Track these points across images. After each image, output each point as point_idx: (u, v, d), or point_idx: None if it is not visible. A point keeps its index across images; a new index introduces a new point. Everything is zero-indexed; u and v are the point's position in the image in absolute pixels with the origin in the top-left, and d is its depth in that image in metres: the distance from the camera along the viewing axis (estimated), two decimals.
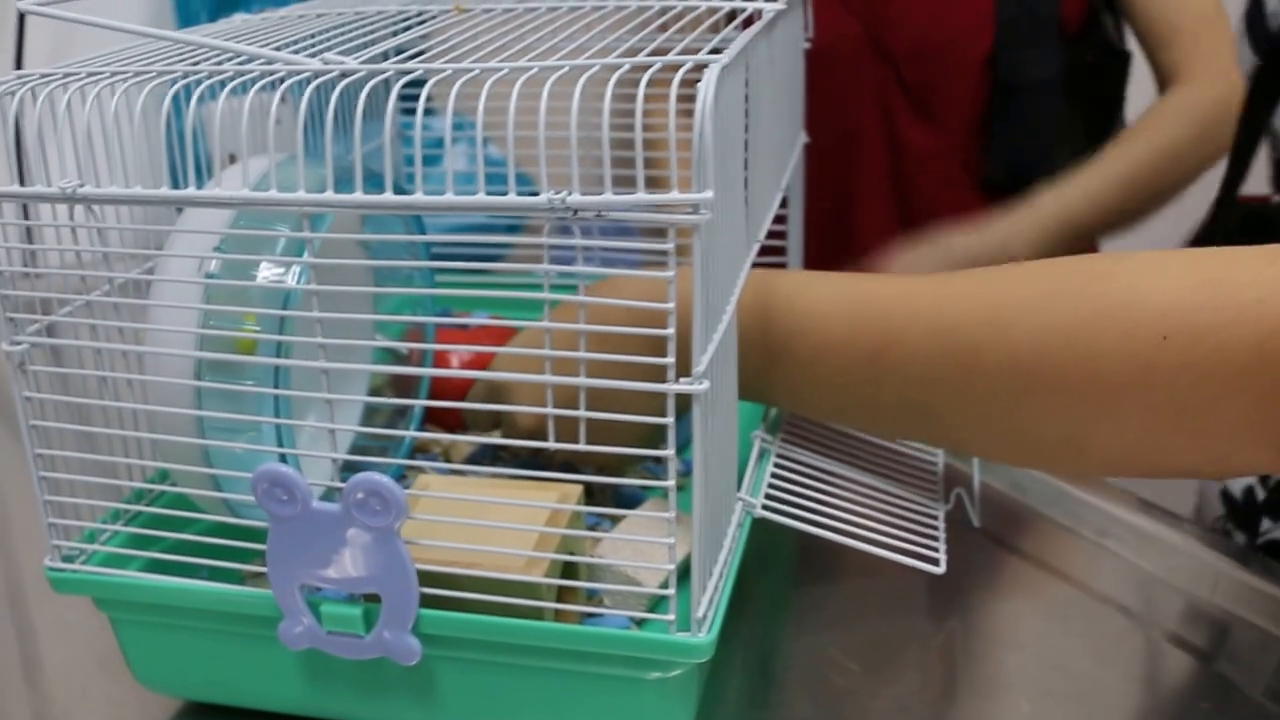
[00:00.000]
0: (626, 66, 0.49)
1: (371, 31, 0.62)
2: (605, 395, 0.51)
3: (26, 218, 0.55)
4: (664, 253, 0.47)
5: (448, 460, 0.76)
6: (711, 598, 0.53)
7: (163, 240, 0.58)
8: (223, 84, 0.54)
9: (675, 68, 0.49)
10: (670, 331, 0.48)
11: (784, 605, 0.71)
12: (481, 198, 0.48)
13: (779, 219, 0.73)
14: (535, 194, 0.48)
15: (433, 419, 0.78)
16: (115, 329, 0.57)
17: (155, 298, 0.57)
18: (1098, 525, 0.77)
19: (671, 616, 0.52)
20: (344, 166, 0.51)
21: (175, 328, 0.56)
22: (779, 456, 0.67)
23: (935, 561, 0.62)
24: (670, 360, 0.48)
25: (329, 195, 0.50)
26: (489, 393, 0.70)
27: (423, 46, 0.58)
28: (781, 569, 0.74)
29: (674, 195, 0.46)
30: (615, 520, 0.66)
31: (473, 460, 0.74)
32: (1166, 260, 0.56)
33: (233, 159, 0.58)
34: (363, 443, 0.70)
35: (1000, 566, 0.75)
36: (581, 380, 0.50)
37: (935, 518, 0.67)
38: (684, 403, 0.49)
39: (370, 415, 0.73)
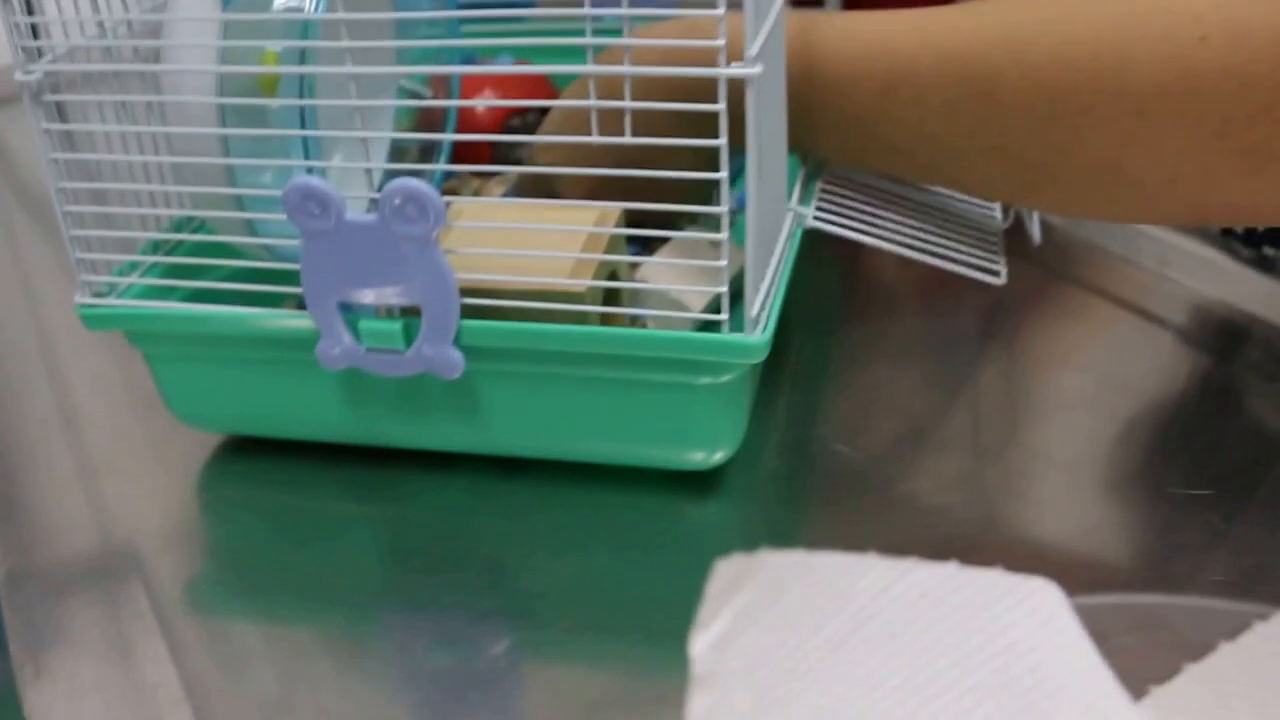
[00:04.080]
0: None
1: None
2: (655, 153, 0.48)
3: None
4: None
5: None
6: (765, 299, 0.51)
7: None
8: None
9: None
10: (720, 11, 0.45)
11: (833, 340, 0.70)
12: None
13: None
14: None
15: (461, 163, 0.75)
16: (133, 54, 0.55)
17: (171, 16, 0.54)
18: (1157, 254, 0.75)
19: (724, 316, 0.50)
20: None
21: (193, 66, 0.53)
22: (829, 173, 0.64)
23: (995, 273, 0.60)
24: (721, 43, 0.46)
25: None
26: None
27: None
28: (828, 305, 0.72)
29: None
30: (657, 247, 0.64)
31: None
32: None
33: None
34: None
35: (1058, 292, 0.73)
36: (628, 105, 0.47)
37: (994, 233, 0.64)
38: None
39: (397, 160, 0.70)
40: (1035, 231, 0.67)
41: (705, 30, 0.45)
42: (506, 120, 0.75)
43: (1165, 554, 0.53)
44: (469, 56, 0.79)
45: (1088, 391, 0.63)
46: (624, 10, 0.47)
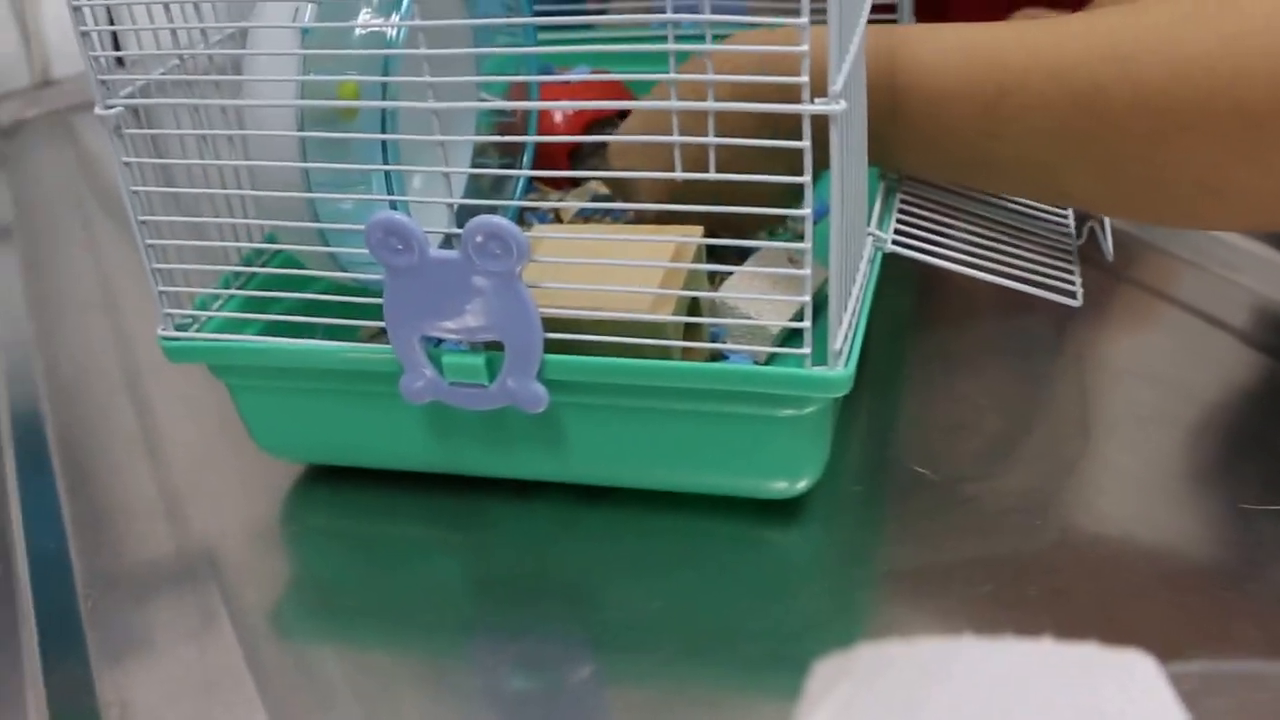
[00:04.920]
0: None
1: None
2: (734, 157, 0.48)
3: None
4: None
5: (558, 222, 0.73)
6: (848, 330, 0.51)
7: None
8: None
9: None
10: (804, 48, 0.45)
11: (907, 348, 0.69)
12: None
13: None
14: None
15: (540, 181, 0.75)
16: (212, 88, 0.55)
17: (251, 50, 0.54)
18: (1226, 259, 0.74)
19: (807, 351, 0.50)
20: None
21: (275, 77, 0.53)
22: (905, 194, 0.63)
23: (1072, 294, 0.60)
24: (804, 79, 0.45)
25: None
26: (606, 156, 0.67)
27: None
28: (902, 312, 0.72)
29: None
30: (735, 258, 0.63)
31: (585, 218, 0.72)
32: None
33: None
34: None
35: (1128, 298, 0.72)
36: (712, 104, 0.47)
37: (1069, 251, 0.64)
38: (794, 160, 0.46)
39: (474, 180, 0.70)
40: (1108, 246, 0.66)
41: (786, 42, 0.45)
42: (587, 128, 0.75)
43: (1243, 572, 0.52)
44: (545, 67, 0.79)
45: (1160, 401, 0.63)
46: (706, 17, 0.46)
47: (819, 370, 0.50)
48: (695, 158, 0.49)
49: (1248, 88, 0.50)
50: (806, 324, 0.50)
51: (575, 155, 0.76)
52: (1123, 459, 0.60)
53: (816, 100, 0.45)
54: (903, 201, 0.63)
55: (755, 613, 0.52)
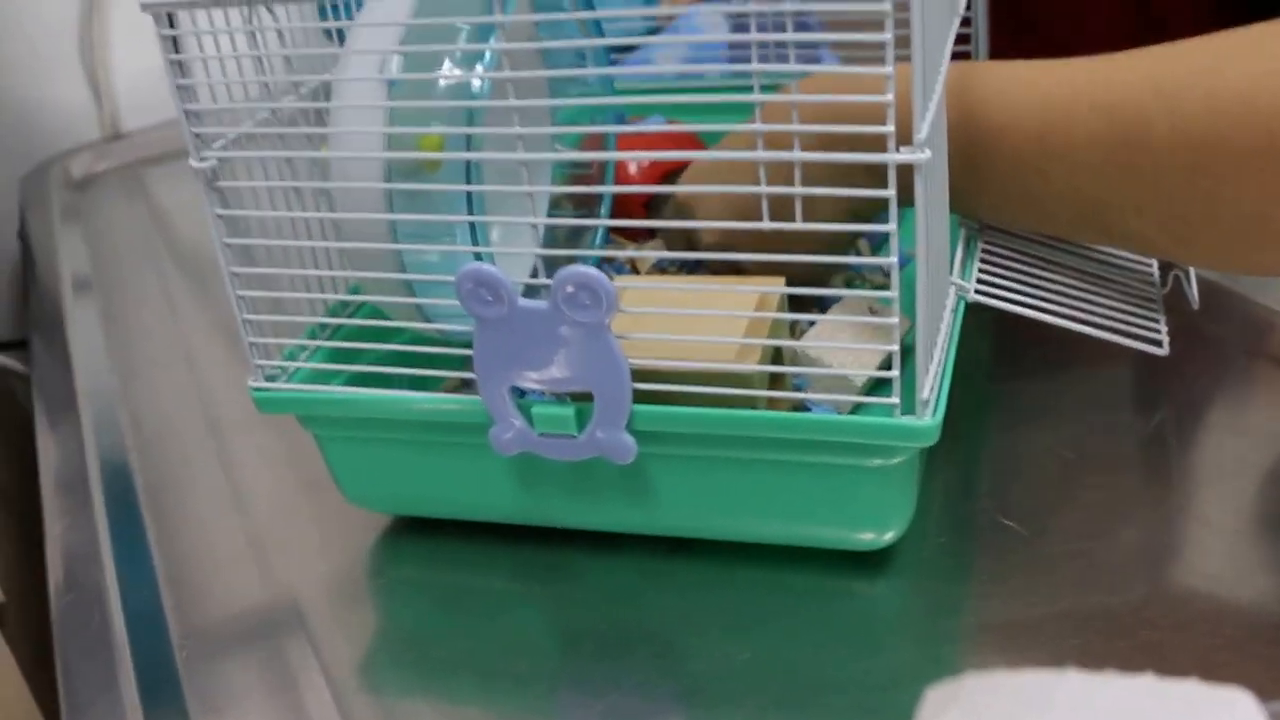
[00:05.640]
0: None
1: None
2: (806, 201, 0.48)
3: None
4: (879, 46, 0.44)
5: (635, 273, 0.74)
6: (935, 379, 0.51)
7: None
8: None
9: None
10: (890, 97, 0.45)
11: (988, 398, 0.69)
12: None
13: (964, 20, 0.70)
14: None
15: (616, 232, 0.76)
16: (303, 139, 0.56)
17: (337, 102, 0.55)
18: None
19: (895, 400, 0.50)
20: None
21: (362, 128, 0.54)
22: (986, 242, 0.63)
23: (1158, 343, 0.59)
24: (890, 129, 0.45)
25: None
26: (677, 207, 0.67)
27: None
28: (981, 362, 0.71)
29: None
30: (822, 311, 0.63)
31: (661, 269, 0.72)
32: None
33: None
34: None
35: (1217, 351, 0.71)
36: (797, 155, 0.47)
37: (1153, 300, 0.63)
38: (876, 208, 0.46)
39: (551, 230, 0.71)
40: (1194, 294, 0.66)
41: (869, 89, 0.45)
42: (662, 180, 0.75)
43: None
44: (619, 117, 0.79)
45: (1247, 453, 0.62)
46: (792, 66, 0.46)
47: (908, 419, 0.50)
48: (751, 205, 0.49)
49: None
50: (895, 373, 0.49)
51: (651, 207, 0.76)
52: (1210, 511, 0.59)
53: (902, 149, 0.46)
54: (984, 250, 0.63)
55: (844, 665, 0.52)
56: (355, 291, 0.64)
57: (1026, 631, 0.53)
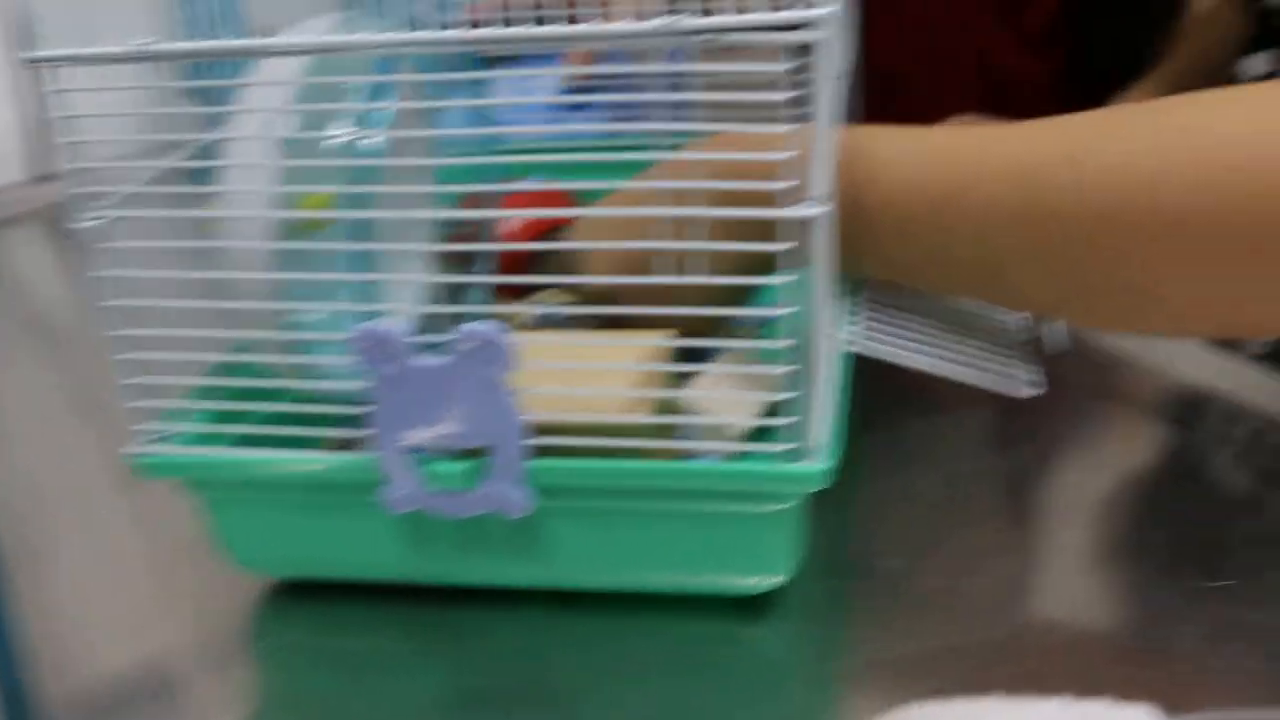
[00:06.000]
0: None
1: None
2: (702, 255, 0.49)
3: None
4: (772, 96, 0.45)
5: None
6: (824, 426, 0.53)
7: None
8: None
9: None
10: (787, 155, 0.46)
11: (864, 434, 0.70)
12: (589, 27, 0.46)
13: None
14: None
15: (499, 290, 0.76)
16: (187, 198, 0.55)
17: (225, 160, 0.55)
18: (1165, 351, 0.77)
19: (777, 447, 0.51)
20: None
21: (249, 187, 0.54)
22: (868, 292, 0.66)
23: (1021, 386, 0.62)
24: (790, 184, 0.47)
25: (418, 34, 0.48)
26: (561, 262, 0.68)
27: None
28: (856, 409, 0.74)
29: (795, 13, 0.44)
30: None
31: (544, 323, 0.73)
32: (1247, 90, 0.54)
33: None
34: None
35: (1072, 394, 0.74)
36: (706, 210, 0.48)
37: (1024, 344, 0.66)
38: (766, 262, 0.48)
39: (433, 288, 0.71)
40: (1058, 341, 0.69)
41: (767, 148, 0.47)
42: (541, 236, 0.76)
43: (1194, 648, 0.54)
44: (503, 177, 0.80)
45: (1103, 488, 0.66)
46: (679, 125, 0.48)
47: (802, 465, 0.51)
48: (639, 257, 0.50)
49: (1169, 194, 0.52)
50: (780, 420, 0.51)
51: (533, 263, 0.76)
52: (1075, 543, 0.62)
53: (799, 204, 0.47)
54: (866, 302, 0.65)
55: (741, 710, 0.52)
56: (240, 351, 0.64)
57: (911, 668, 0.54)
